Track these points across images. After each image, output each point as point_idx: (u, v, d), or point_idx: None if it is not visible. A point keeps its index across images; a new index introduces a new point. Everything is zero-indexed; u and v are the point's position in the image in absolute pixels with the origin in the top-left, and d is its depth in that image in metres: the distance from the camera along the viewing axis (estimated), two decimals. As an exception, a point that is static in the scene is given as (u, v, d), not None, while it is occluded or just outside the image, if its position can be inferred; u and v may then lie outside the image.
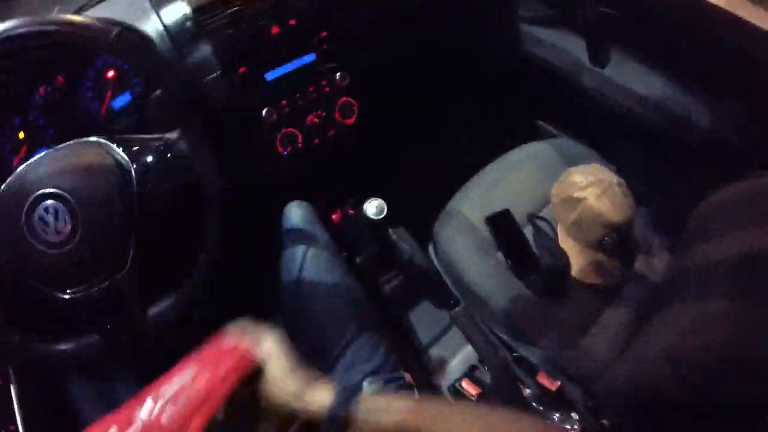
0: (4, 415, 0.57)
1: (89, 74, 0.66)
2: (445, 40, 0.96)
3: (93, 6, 0.71)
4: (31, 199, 0.43)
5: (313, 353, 0.63)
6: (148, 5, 0.73)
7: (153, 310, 0.49)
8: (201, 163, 0.53)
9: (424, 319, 0.85)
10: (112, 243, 0.45)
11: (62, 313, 0.46)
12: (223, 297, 0.67)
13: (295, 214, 0.76)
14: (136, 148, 0.48)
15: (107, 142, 0.47)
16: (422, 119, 1.03)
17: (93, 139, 0.48)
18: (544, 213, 0.81)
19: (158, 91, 0.56)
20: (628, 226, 0.73)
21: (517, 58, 0.99)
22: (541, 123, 1.07)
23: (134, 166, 0.45)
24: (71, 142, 0.48)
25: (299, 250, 0.71)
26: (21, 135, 0.63)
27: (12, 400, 0.59)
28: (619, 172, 0.77)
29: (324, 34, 0.74)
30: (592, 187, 0.72)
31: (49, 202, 0.44)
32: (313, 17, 0.74)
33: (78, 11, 0.71)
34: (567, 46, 0.92)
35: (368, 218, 0.70)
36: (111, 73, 0.67)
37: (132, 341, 0.48)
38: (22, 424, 0.57)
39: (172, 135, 0.51)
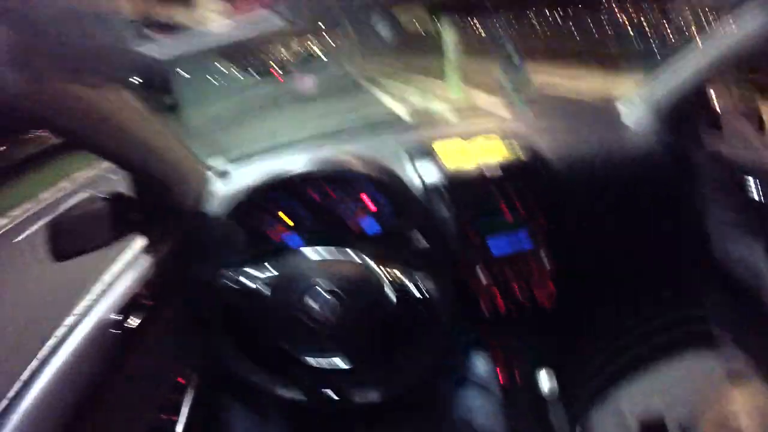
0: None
1: (352, 196, 0.87)
2: (643, 241, 1.04)
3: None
4: (307, 285, 0.63)
5: None
6: (405, 156, 0.91)
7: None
8: (444, 303, 0.72)
9: None
10: (361, 334, 0.64)
11: (299, 376, 0.66)
12: None
13: None
14: (393, 273, 0.68)
15: (369, 260, 0.67)
16: (602, 306, 1.10)
17: (358, 254, 0.68)
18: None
19: (412, 233, 0.80)
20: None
21: (702, 263, 1.03)
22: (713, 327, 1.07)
23: (391, 287, 0.65)
24: (340, 248, 0.70)
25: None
26: (282, 214, 0.87)
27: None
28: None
29: (542, 223, 0.86)
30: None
31: (321, 293, 0.62)
32: (539, 208, 0.87)
33: None
34: (752, 258, 0.93)
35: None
36: (368, 201, 0.88)
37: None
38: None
39: (419, 274, 0.71)
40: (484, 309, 0.86)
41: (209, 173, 1.03)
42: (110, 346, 0.64)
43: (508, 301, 0.87)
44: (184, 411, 0.76)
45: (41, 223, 7.07)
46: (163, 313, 0.77)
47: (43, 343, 0.60)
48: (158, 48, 1.03)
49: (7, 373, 2.62)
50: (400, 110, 6.64)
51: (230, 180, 1.02)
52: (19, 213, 8.62)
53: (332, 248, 0.71)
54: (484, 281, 0.84)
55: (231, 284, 0.70)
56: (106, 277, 0.74)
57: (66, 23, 0.49)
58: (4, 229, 7.67)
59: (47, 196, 9.50)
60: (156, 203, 0.80)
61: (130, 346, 0.68)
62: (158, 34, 1.18)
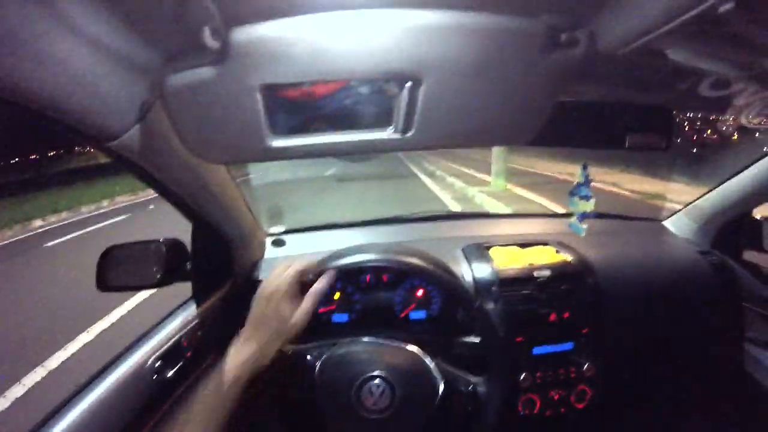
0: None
1: (405, 285, 0.92)
2: (680, 349, 1.05)
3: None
4: (361, 378, 0.65)
5: None
6: (460, 254, 0.97)
7: None
8: (488, 399, 0.75)
9: None
10: (409, 423, 0.65)
11: None
12: None
13: None
14: (442, 365, 0.70)
15: (422, 352, 0.69)
16: (638, 411, 1.11)
17: (411, 346, 0.70)
18: None
19: (460, 329, 0.83)
20: None
21: (736, 373, 1.06)
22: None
23: (441, 381, 0.66)
24: (393, 338, 0.72)
25: None
26: (336, 296, 0.91)
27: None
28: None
29: (586, 330, 0.88)
30: None
31: (374, 382, 0.65)
32: (584, 315, 0.88)
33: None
34: None
35: None
36: (419, 292, 0.92)
37: None
38: None
39: (475, 378, 0.75)
40: (522, 408, 0.84)
41: (267, 240, 1.09)
42: (146, 391, 0.64)
43: (546, 402, 0.86)
44: None
45: (73, 235, 7.36)
46: (201, 366, 0.78)
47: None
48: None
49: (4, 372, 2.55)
50: (447, 198, 7.03)
51: (285, 249, 1.07)
52: (55, 219, 9.08)
53: (385, 338, 0.72)
54: (524, 380, 0.83)
55: (286, 356, 0.69)
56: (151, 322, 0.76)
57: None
58: (38, 231, 8.07)
59: (86, 210, 10.06)
60: (216, 260, 0.84)
61: (165, 393, 0.68)
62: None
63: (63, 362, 2.78)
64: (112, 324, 3.27)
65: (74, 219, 9.10)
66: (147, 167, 0.56)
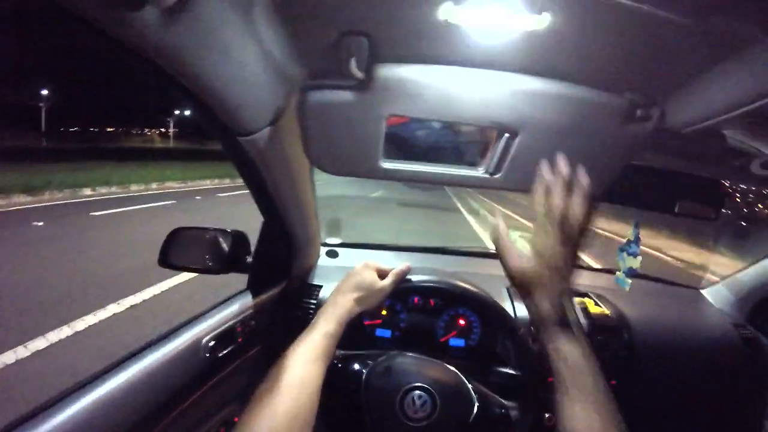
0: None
1: (449, 312, 0.97)
2: (705, 415, 1.05)
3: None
4: (406, 388, 0.69)
5: None
6: (504, 292, 1.03)
7: None
8: (520, 424, 0.78)
9: None
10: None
11: None
12: None
13: None
14: (478, 386, 0.73)
15: (458, 372, 0.74)
16: None
17: (451, 367, 0.74)
18: None
19: (503, 368, 0.86)
20: None
21: None
22: None
23: (477, 400, 0.70)
24: (436, 360, 0.76)
25: None
26: (384, 312, 0.97)
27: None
28: None
29: (614, 382, 0.88)
30: None
31: (417, 392, 0.69)
32: (615, 367, 0.91)
33: None
34: None
35: None
36: (462, 321, 0.96)
37: None
38: None
39: (508, 402, 0.77)
40: None
41: (323, 248, 1.16)
42: (197, 365, 0.69)
43: None
44: None
45: (119, 210, 7.77)
46: (251, 351, 0.83)
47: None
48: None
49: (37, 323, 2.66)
50: (487, 237, 6.93)
51: (337, 260, 1.15)
52: (105, 191, 9.64)
53: (427, 358, 0.77)
54: (549, 419, 0.86)
55: (339, 362, 0.75)
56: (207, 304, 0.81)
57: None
58: (87, 199, 8.58)
59: (136, 188, 10.60)
60: (277, 258, 0.89)
61: (216, 370, 0.73)
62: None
63: (90, 326, 2.94)
64: (144, 300, 3.43)
65: (122, 195, 9.60)
66: (259, 164, 0.62)
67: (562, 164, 0.53)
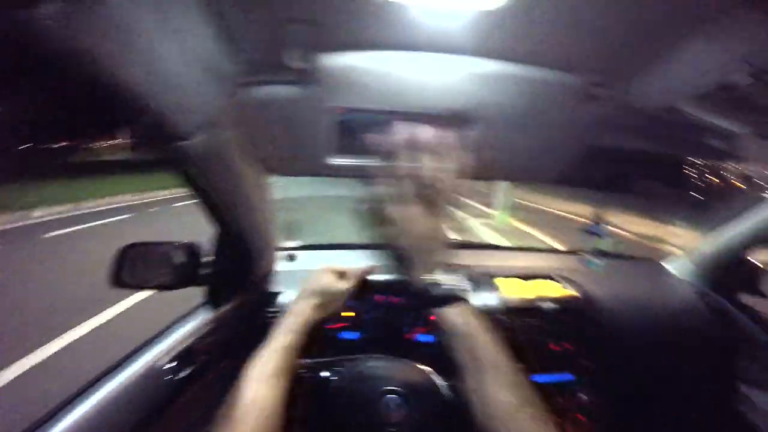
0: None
1: (425, 314, 0.91)
2: (676, 384, 1.06)
3: None
4: (378, 392, 0.68)
5: None
6: (465, 281, 0.98)
7: None
8: None
9: None
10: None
11: None
12: None
13: None
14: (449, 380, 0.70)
15: (432, 372, 0.71)
16: None
17: (421, 366, 0.72)
18: None
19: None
20: None
21: (729, 412, 1.07)
22: None
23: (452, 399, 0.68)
24: (407, 361, 0.74)
25: None
26: (348, 314, 0.92)
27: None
28: None
29: (586, 363, 0.89)
30: None
31: (390, 396, 0.67)
32: (586, 348, 0.91)
33: None
34: None
35: None
36: (432, 317, 0.89)
37: None
38: None
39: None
40: None
41: (280, 254, 1.10)
42: (157, 392, 0.64)
43: None
44: None
45: (77, 227, 7.35)
46: (213, 370, 0.77)
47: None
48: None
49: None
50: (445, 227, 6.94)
51: (295, 264, 1.11)
52: (57, 210, 9.06)
53: (395, 358, 0.75)
54: None
55: (306, 372, 0.72)
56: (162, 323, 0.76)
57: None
58: (38, 220, 8.04)
59: (91, 204, 10.01)
60: (232, 268, 0.84)
61: (177, 394, 0.68)
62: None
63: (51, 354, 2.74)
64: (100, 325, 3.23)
65: (76, 213, 9.07)
66: (201, 170, 0.57)
67: (402, 127, 0.49)
